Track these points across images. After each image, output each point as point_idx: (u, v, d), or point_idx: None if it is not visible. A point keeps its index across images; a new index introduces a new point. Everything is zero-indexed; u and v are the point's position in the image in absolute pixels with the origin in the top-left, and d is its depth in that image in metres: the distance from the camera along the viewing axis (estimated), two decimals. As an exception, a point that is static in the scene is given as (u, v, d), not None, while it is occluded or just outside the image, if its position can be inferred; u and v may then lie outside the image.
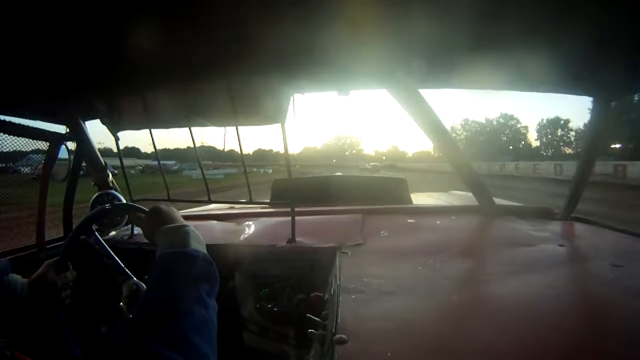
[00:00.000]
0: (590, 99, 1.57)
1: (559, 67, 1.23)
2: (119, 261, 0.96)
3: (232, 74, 1.32)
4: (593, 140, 1.64)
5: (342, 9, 0.89)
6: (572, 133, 64.02)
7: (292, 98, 1.36)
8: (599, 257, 1.10)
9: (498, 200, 1.83)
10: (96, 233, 1.03)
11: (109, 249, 0.99)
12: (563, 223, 1.59)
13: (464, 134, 78.15)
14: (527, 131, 72.90)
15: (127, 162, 1.71)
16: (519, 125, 73.40)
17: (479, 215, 1.68)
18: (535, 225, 1.49)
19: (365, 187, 2.39)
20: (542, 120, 66.38)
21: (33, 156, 1.47)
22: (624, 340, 0.64)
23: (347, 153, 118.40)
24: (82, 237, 1.02)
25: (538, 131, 68.18)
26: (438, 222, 1.54)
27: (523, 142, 70.78)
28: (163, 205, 0.84)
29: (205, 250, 0.73)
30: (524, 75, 1.34)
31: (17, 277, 0.92)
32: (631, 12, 0.90)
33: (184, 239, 0.72)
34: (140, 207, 0.98)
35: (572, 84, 1.49)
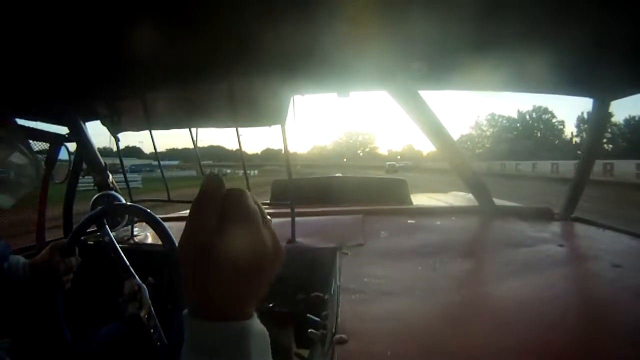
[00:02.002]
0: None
1: (558, 68, 1.23)
2: (124, 258, 0.96)
3: (232, 76, 1.32)
4: (593, 141, 1.64)
5: (341, 10, 0.89)
6: (615, 128, 51.72)
7: (292, 99, 1.37)
8: (599, 257, 1.10)
9: (498, 201, 1.83)
10: (107, 227, 1.03)
11: (117, 245, 0.99)
12: (563, 223, 1.60)
13: (490, 130, 71.32)
14: (564, 126, 64.02)
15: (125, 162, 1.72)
16: (554, 120, 64.55)
17: (479, 216, 1.68)
18: (535, 225, 1.49)
19: (366, 187, 2.39)
20: (582, 113, 53.78)
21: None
22: (624, 340, 0.64)
23: (359, 152, 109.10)
24: (92, 227, 1.02)
25: (577, 126, 57.60)
26: (438, 223, 1.54)
27: (561, 138, 61.20)
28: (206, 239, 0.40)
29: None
30: (523, 76, 1.34)
31: (18, 257, 0.92)
32: (630, 13, 0.90)
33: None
34: (149, 212, 0.96)
35: (572, 85, 1.49)
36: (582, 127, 54.02)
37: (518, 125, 66.68)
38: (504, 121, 69.88)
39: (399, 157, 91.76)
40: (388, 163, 50.07)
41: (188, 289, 0.34)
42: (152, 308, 0.87)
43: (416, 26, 0.96)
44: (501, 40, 1.07)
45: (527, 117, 65.60)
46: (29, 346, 0.80)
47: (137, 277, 0.92)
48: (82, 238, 1.05)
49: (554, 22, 0.96)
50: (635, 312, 0.75)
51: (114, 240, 1.01)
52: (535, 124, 65.35)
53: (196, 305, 0.34)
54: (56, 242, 0.98)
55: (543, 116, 64.89)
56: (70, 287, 1.00)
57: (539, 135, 64.00)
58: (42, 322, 0.92)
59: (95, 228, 1.13)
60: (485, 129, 72.83)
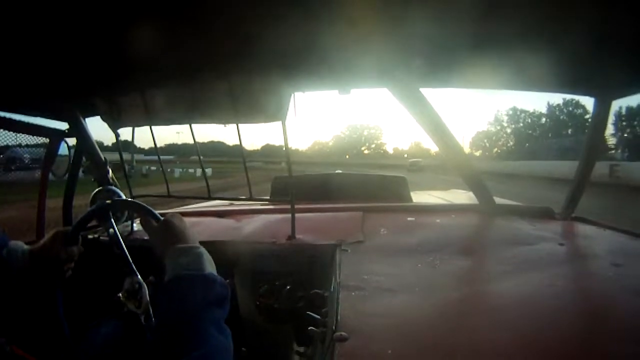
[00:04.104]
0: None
1: (559, 66, 1.23)
2: (127, 254, 0.95)
3: (232, 72, 1.32)
4: (594, 140, 1.64)
5: (342, 7, 0.88)
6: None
7: (292, 96, 1.36)
8: (599, 256, 1.10)
9: (499, 200, 1.83)
10: (112, 220, 1.02)
11: (121, 240, 0.98)
12: (563, 222, 1.60)
13: (512, 126, 63.51)
14: None
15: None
16: (587, 116, 51.20)
17: (479, 214, 1.68)
18: (536, 224, 1.49)
19: (366, 184, 2.39)
20: (621, 109, 43.49)
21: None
22: (623, 338, 0.64)
23: (363, 148, 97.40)
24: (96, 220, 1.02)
25: (614, 124, 42.47)
26: (438, 221, 1.54)
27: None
28: (176, 219, 0.84)
29: (216, 272, 0.72)
30: (524, 74, 1.34)
31: (18, 244, 0.90)
32: (632, 11, 0.89)
33: (198, 261, 0.72)
34: (151, 210, 0.96)
35: (573, 84, 1.49)
36: (620, 125, 44.72)
37: (547, 120, 58.35)
38: (527, 118, 61.56)
39: (406, 155, 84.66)
40: (411, 160, 42.78)
41: (163, 248, 0.77)
42: (151, 308, 0.86)
43: (417, 23, 0.96)
44: (502, 38, 1.06)
45: (557, 112, 56.78)
46: (27, 337, 0.79)
47: (138, 274, 0.92)
48: (84, 233, 1.04)
49: (555, 21, 0.96)
50: (635, 311, 0.75)
51: (119, 234, 1.00)
52: (566, 119, 56.48)
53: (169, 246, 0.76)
54: (59, 230, 0.97)
55: (575, 111, 55.07)
56: (70, 280, 0.99)
57: (569, 132, 54.39)
58: (41, 312, 0.92)
59: (96, 223, 1.12)
60: (505, 125, 65.22)
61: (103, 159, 1.67)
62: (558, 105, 55.25)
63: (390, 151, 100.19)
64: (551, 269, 0.98)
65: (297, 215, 1.37)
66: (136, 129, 1.58)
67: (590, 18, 0.92)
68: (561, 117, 56.46)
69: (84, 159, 1.62)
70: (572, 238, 1.41)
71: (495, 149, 66.03)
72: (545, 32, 1.02)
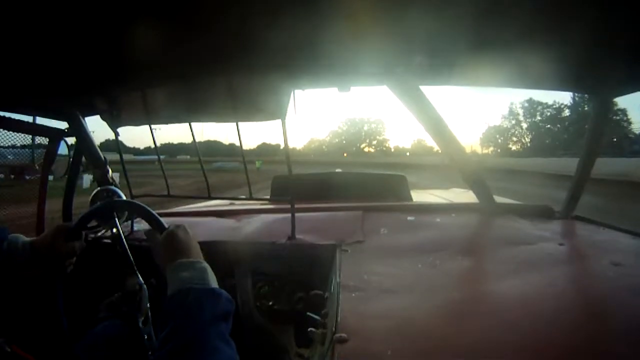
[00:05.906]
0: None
1: (560, 64, 1.22)
2: (130, 254, 0.95)
3: (231, 70, 1.31)
4: (593, 138, 1.63)
5: (342, 5, 0.88)
6: None
7: (292, 94, 1.36)
8: (599, 256, 1.10)
9: (498, 199, 1.83)
10: (116, 219, 1.02)
11: (124, 239, 0.97)
12: (563, 222, 1.59)
13: (529, 120, 59.23)
14: (626, 115, 42.50)
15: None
16: (615, 108, 49.43)
17: (479, 213, 1.67)
18: (536, 223, 1.49)
19: (366, 184, 2.39)
20: None
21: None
22: (624, 338, 0.64)
23: (363, 145, 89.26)
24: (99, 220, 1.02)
25: None
26: (438, 220, 1.54)
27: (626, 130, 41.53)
28: (181, 231, 0.83)
29: (218, 287, 0.73)
30: (524, 72, 1.33)
31: (18, 237, 0.89)
32: (631, 10, 0.89)
33: (203, 276, 0.73)
34: (158, 218, 0.94)
35: (573, 82, 1.49)
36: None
37: (565, 114, 53.94)
38: (546, 110, 56.65)
39: (407, 153, 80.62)
40: None
41: (167, 260, 0.77)
42: (150, 313, 0.85)
43: (417, 21, 0.95)
44: (502, 36, 1.06)
45: (582, 102, 48.85)
46: (26, 333, 0.79)
47: (139, 276, 0.91)
48: (85, 232, 1.03)
49: (555, 18, 0.95)
50: (635, 310, 0.75)
51: (122, 234, 0.99)
52: (590, 112, 50.73)
53: (173, 259, 0.75)
54: (62, 224, 0.97)
55: (598, 102, 50.48)
56: (71, 279, 0.99)
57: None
58: (41, 305, 0.91)
59: (98, 222, 1.11)
60: (521, 119, 60.36)
61: (103, 158, 1.66)
62: (583, 97, 48.32)
63: (391, 149, 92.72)
64: (551, 269, 0.98)
65: (297, 215, 1.37)
66: (126, 128, 1.58)
67: (589, 16, 0.91)
68: (586, 107, 48.23)
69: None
70: (572, 237, 1.41)
71: (511, 145, 62.00)
72: (546, 30, 1.01)
